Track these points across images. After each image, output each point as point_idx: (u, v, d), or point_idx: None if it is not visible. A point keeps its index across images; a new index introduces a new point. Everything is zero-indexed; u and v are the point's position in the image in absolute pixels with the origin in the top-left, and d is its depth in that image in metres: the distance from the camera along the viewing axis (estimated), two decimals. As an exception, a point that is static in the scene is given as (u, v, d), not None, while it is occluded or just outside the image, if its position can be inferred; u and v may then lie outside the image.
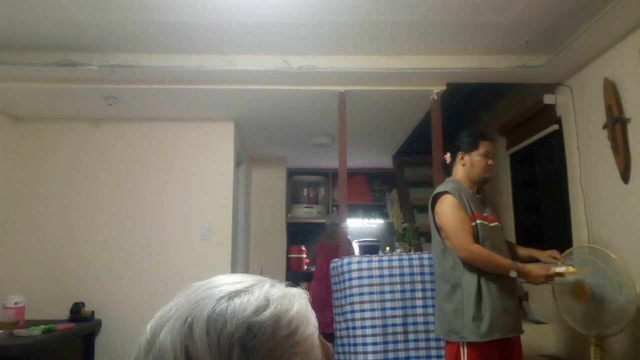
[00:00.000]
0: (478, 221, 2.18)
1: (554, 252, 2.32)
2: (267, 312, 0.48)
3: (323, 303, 3.97)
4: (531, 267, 2.12)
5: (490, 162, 2.31)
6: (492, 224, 2.25)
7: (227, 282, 0.52)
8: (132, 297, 3.63)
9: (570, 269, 2.22)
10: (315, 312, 0.54)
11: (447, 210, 2.18)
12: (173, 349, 0.45)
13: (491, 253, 2.10)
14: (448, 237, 2.17)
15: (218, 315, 0.47)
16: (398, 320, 2.54)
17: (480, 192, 2.35)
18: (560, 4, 2.51)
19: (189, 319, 0.47)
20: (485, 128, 4.35)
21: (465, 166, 2.31)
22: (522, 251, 2.44)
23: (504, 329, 2.09)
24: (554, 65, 3.02)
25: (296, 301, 0.52)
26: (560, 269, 2.19)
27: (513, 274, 2.09)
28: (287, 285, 0.55)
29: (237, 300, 0.49)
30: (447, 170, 2.43)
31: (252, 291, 0.50)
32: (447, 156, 2.42)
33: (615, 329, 2.26)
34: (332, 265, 2.78)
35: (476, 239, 2.14)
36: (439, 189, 2.27)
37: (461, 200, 2.19)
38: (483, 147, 2.29)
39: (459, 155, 2.33)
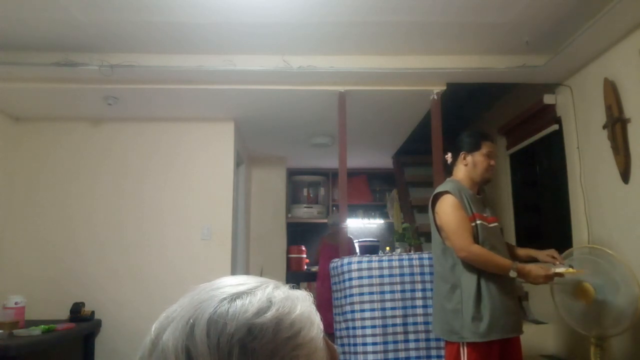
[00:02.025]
0: (478, 222, 2.18)
1: (552, 252, 2.32)
2: (269, 314, 0.48)
3: (327, 303, 3.96)
4: (531, 267, 2.12)
5: (492, 162, 2.30)
6: (491, 225, 2.25)
7: (231, 283, 0.52)
8: (132, 297, 3.63)
9: (570, 269, 2.21)
10: (322, 313, 0.54)
11: (448, 210, 2.17)
12: (175, 350, 0.45)
13: (491, 253, 2.10)
14: (448, 237, 2.17)
15: (219, 316, 0.47)
16: (398, 320, 2.54)
17: (481, 193, 2.35)
18: (561, 4, 2.51)
19: (191, 320, 0.47)
20: (485, 128, 4.34)
21: (468, 166, 2.30)
22: (521, 252, 2.43)
23: (504, 329, 2.08)
24: (554, 65, 3.02)
25: (299, 303, 0.51)
26: (560, 270, 2.18)
27: (513, 274, 2.08)
28: (291, 288, 0.54)
29: (238, 302, 0.48)
30: (448, 170, 2.42)
31: (255, 293, 0.50)
32: (449, 156, 2.41)
33: (617, 330, 2.26)
34: (331, 265, 2.78)
35: (476, 240, 2.14)
36: (440, 188, 2.27)
37: (461, 200, 2.18)
38: (486, 148, 2.29)
39: (462, 155, 2.32)
